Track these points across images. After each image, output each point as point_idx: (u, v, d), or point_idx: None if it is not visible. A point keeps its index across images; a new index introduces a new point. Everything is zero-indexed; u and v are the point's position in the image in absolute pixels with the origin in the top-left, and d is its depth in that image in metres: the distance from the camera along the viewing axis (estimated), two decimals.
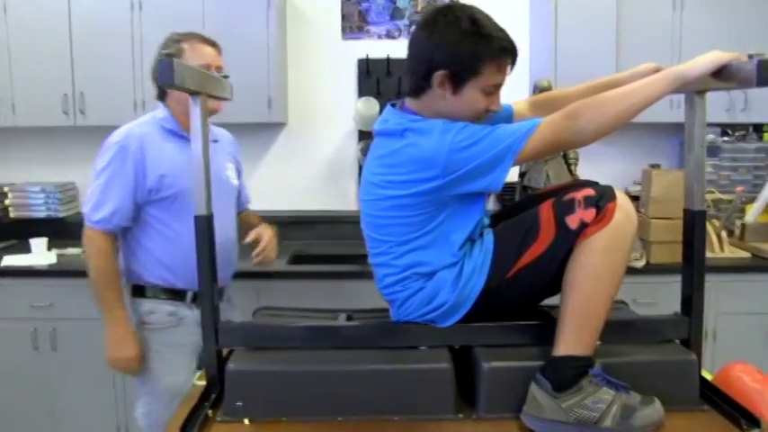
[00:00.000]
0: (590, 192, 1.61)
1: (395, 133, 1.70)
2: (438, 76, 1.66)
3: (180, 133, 2.40)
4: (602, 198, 1.59)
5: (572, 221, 1.60)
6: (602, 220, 1.57)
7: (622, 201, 1.60)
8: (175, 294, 2.43)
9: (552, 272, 1.66)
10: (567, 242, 1.61)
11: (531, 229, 1.66)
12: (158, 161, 2.35)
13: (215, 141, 2.56)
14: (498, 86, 1.73)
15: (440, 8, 1.72)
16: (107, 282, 2.38)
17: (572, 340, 1.60)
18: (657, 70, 1.74)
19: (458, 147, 1.59)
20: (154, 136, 2.39)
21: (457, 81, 1.67)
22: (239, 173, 2.75)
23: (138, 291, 2.46)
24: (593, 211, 1.58)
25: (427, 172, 1.62)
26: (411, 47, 1.75)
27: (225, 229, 2.48)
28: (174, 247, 2.37)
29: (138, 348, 2.40)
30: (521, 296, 1.74)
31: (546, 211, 1.65)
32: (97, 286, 2.38)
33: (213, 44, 2.45)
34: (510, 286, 1.69)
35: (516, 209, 1.84)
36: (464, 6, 1.71)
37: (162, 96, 2.45)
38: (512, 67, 1.73)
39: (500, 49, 1.67)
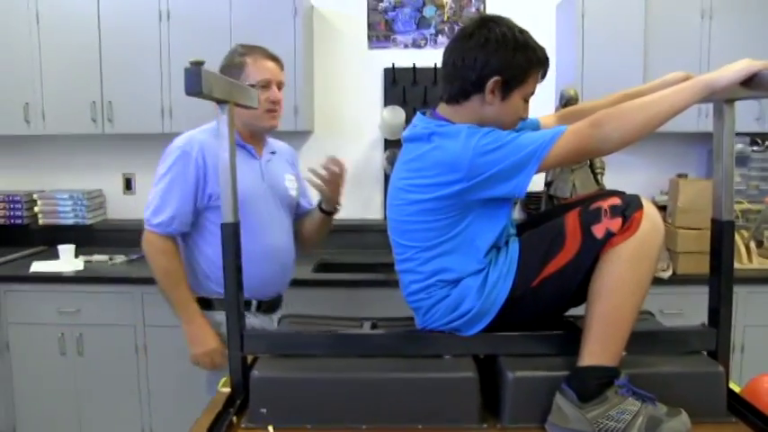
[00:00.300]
0: (616, 201, 1.61)
1: (422, 137, 1.71)
2: (492, 82, 1.70)
3: (240, 143, 2.44)
4: (629, 207, 1.58)
5: (598, 231, 1.59)
6: (628, 229, 1.57)
7: (649, 210, 1.59)
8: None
9: (577, 281, 1.65)
10: (592, 251, 1.61)
11: (557, 238, 1.65)
12: (218, 168, 2.36)
13: (273, 153, 2.59)
14: (532, 95, 1.79)
15: (485, 18, 1.77)
16: (175, 281, 2.40)
17: (598, 350, 1.59)
18: (686, 79, 1.73)
19: (482, 150, 1.60)
20: (214, 144, 2.37)
21: (506, 88, 1.72)
22: (299, 181, 2.73)
23: (204, 303, 2.46)
24: (619, 221, 1.57)
25: (452, 175, 1.62)
26: (458, 54, 1.74)
27: (281, 237, 2.52)
28: None
29: (218, 340, 2.39)
30: (545, 305, 1.73)
31: (572, 219, 1.64)
32: (165, 287, 2.41)
33: (276, 59, 2.47)
34: (535, 295, 1.68)
35: (542, 218, 1.84)
36: (506, 18, 1.77)
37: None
38: (543, 78, 1.80)
39: (543, 60, 1.75)
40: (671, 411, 1.55)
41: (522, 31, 1.74)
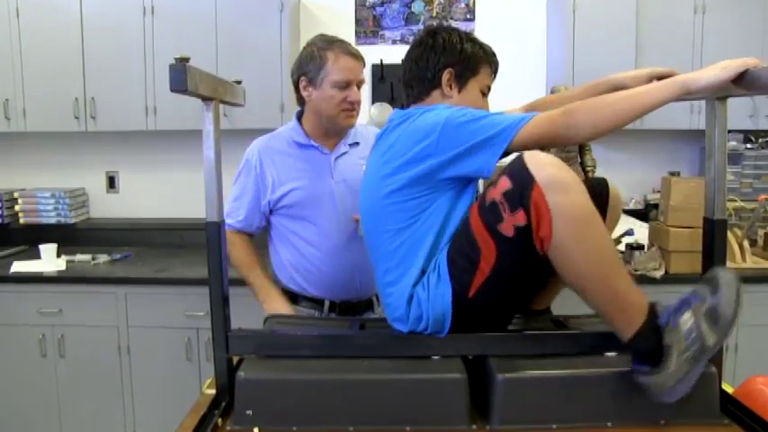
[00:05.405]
0: (506, 185, 1.54)
1: (401, 121, 1.77)
2: (446, 74, 1.84)
3: (306, 143, 2.42)
4: (522, 191, 1.51)
5: (506, 230, 1.54)
6: (539, 217, 1.49)
7: (543, 178, 1.50)
8: (314, 302, 2.44)
9: (516, 279, 1.64)
10: (513, 249, 1.56)
11: (471, 247, 1.61)
12: (280, 174, 2.39)
13: (355, 144, 2.49)
14: (489, 89, 1.93)
15: (431, 28, 1.92)
16: (242, 266, 2.44)
17: (624, 322, 1.55)
18: (652, 75, 1.76)
19: (455, 121, 1.63)
20: (279, 146, 2.43)
21: (461, 79, 1.86)
22: None
23: (291, 296, 2.48)
24: (521, 214, 1.51)
25: (424, 141, 1.65)
26: (411, 60, 1.89)
27: (354, 235, 2.39)
28: (302, 255, 2.40)
29: (287, 302, 2.43)
30: (497, 306, 1.71)
31: (475, 221, 1.61)
32: (240, 273, 2.45)
33: (357, 57, 2.39)
34: (478, 303, 1.66)
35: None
36: (451, 25, 1.98)
37: (301, 101, 2.44)
38: (494, 76, 1.94)
39: (491, 54, 1.92)
40: (709, 287, 1.50)
41: (468, 33, 1.91)
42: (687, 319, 1.50)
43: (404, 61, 1.91)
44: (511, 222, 1.52)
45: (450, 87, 1.85)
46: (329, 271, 2.39)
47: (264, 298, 2.44)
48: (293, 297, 2.47)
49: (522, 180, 1.51)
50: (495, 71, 1.93)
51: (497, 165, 1.62)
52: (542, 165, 1.51)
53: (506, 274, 1.61)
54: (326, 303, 2.43)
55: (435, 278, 1.68)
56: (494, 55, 1.91)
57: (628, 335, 1.55)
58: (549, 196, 1.48)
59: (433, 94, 1.85)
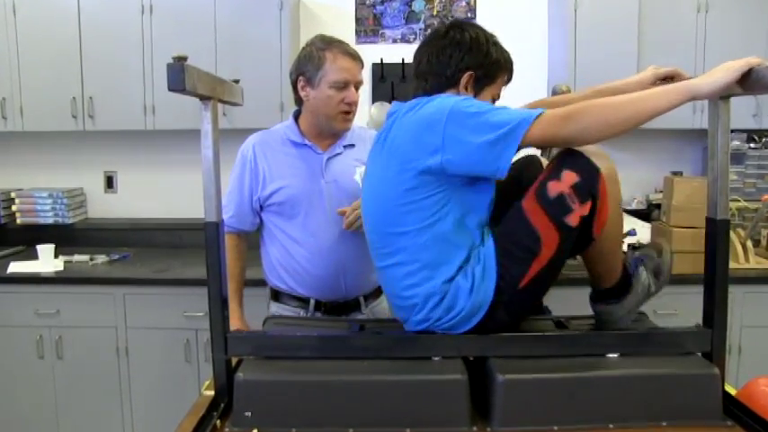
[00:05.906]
0: (574, 178, 1.62)
1: (405, 113, 1.74)
2: (466, 77, 1.79)
3: (300, 142, 2.43)
4: (592, 182, 1.62)
5: (572, 220, 1.63)
6: (602, 205, 1.63)
7: (604, 169, 1.64)
8: (300, 301, 2.44)
9: (562, 264, 1.72)
10: (572, 238, 1.67)
11: (531, 239, 1.66)
12: (272, 170, 2.41)
13: (350, 146, 2.49)
14: (499, 97, 1.90)
15: (456, 21, 1.88)
16: (228, 275, 2.41)
17: (609, 277, 1.82)
18: (656, 75, 1.86)
19: (461, 112, 1.62)
20: (273, 143, 2.45)
21: (478, 84, 1.81)
22: None
23: (274, 294, 2.52)
24: (589, 204, 1.62)
25: (429, 135, 1.63)
26: (432, 51, 1.82)
27: (343, 235, 2.39)
28: (290, 253, 2.41)
29: (245, 323, 2.49)
30: (536, 296, 1.82)
31: (535, 213, 1.64)
32: None
33: (356, 57, 2.39)
34: (524, 293, 1.70)
35: (502, 202, 1.81)
36: (475, 23, 1.94)
37: (299, 101, 2.45)
38: (507, 83, 1.92)
39: (510, 63, 1.88)
40: (654, 250, 1.84)
41: (493, 35, 1.86)
42: (642, 273, 1.84)
43: (421, 51, 1.85)
44: (579, 213, 1.62)
45: (467, 90, 1.80)
46: (315, 271, 2.39)
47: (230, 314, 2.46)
48: (280, 296, 2.48)
49: (590, 172, 1.63)
50: (508, 80, 1.91)
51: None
52: (598, 156, 1.65)
53: (559, 261, 1.70)
54: (312, 302, 2.42)
55: (480, 270, 1.69)
56: (512, 64, 1.88)
57: (605, 286, 1.83)
58: (608, 186, 1.64)
59: (446, 93, 1.78)
